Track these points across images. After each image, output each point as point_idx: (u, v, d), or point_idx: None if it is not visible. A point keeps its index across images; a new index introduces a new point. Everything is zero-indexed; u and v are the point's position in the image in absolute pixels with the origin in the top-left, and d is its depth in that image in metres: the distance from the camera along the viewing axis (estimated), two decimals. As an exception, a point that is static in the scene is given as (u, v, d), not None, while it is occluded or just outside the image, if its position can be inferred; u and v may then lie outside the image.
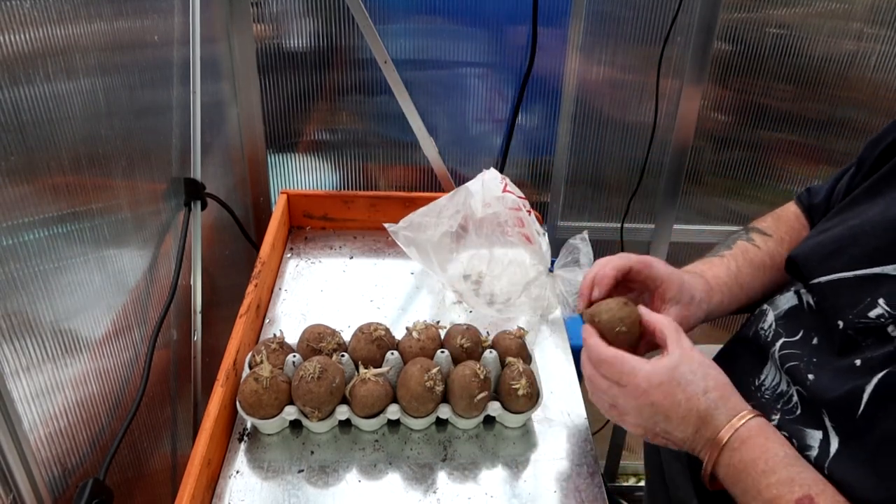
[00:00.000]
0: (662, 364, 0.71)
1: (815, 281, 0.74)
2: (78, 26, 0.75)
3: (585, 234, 1.06)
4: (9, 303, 0.64)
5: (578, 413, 0.93)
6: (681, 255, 1.67)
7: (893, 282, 0.67)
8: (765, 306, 0.82)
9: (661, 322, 0.75)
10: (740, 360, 0.83)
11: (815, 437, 0.69)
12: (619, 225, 1.58)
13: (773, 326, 0.79)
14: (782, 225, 0.94)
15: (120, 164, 0.87)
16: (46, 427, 0.71)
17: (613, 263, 0.82)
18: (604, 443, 1.88)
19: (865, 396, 0.64)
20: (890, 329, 0.65)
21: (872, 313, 0.67)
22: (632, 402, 0.71)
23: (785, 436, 0.71)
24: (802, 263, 0.77)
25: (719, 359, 0.88)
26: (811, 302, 0.76)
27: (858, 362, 0.66)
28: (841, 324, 0.70)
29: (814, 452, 0.68)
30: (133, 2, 0.90)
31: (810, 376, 0.71)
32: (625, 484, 1.97)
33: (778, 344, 0.77)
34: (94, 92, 0.79)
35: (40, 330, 0.70)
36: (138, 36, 0.94)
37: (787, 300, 0.80)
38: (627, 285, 0.86)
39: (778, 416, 0.74)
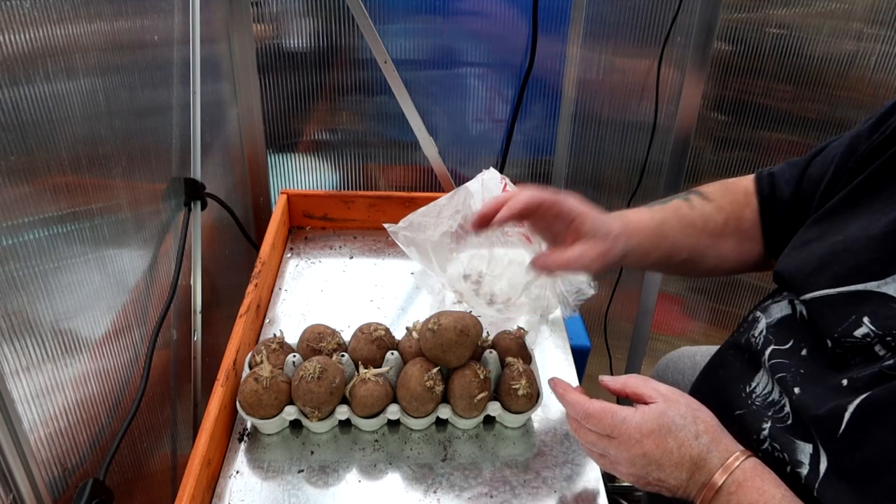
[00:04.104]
0: (650, 411, 0.70)
1: (804, 297, 0.73)
2: (78, 26, 0.75)
3: (585, 234, 1.05)
4: (9, 303, 0.64)
5: (578, 413, 0.93)
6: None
7: (877, 299, 0.66)
8: (757, 313, 0.82)
9: (627, 380, 0.75)
10: (732, 366, 0.82)
11: (805, 450, 0.68)
12: (619, 225, 1.58)
13: (764, 333, 0.79)
14: (727, 195, 0.91)
15: (120, 164, 0.87)
16: (46, 427, 0.71)
17: (526, 196, 0.79)
18: (604, 443, 1.88)
19: (846, 416, 0.63)
20: (877, 348, 0.65)
21: (858, 332, 0.66)
22: (623, 453, 0.71)
23: (776, 447, 0.71)
24: (790, 279, 0.76)
25: (712, 365, 0.87)
26: (804, 313, 0.76)
27: (845, 382, 0.66)
28: (829, 342, 0.69)
29: (804, 470, 0.67)
30: (133, 2, 0.90)
31: (796, 389, 0.70)
32: (625, 484, 1.97)
33: (768, 351, 0.76)
34: (94, 92, 0.79)
35: (40, 330, 0.70)
36: (138, 36, 0.94)
37: (780, 309, 0.79)
38: (539, 222, 0.84)
39: (769, 425, 0.73)
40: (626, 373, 1.77)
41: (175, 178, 1.06)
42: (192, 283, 1.07)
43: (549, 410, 0.93)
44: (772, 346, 0.76)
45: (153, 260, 0.98)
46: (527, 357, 0.94)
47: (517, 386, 0.86)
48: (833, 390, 0.66)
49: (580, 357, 1.12)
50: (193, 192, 1.07)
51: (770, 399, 0.75)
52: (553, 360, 1.03)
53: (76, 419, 0.77)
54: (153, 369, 0.91)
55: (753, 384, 0.78)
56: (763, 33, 1.40)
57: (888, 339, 0.64)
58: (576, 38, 1.40)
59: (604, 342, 1.72)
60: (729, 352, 0.84)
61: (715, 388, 0.83)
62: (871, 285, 0.66)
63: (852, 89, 1.45)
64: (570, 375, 1.00)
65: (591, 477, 0.84)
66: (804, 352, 0.73)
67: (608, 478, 0.84)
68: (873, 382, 0.63)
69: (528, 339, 0.97)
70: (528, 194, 0.79)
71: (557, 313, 1.11)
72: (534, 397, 0.88)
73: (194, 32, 1.07)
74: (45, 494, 0.70)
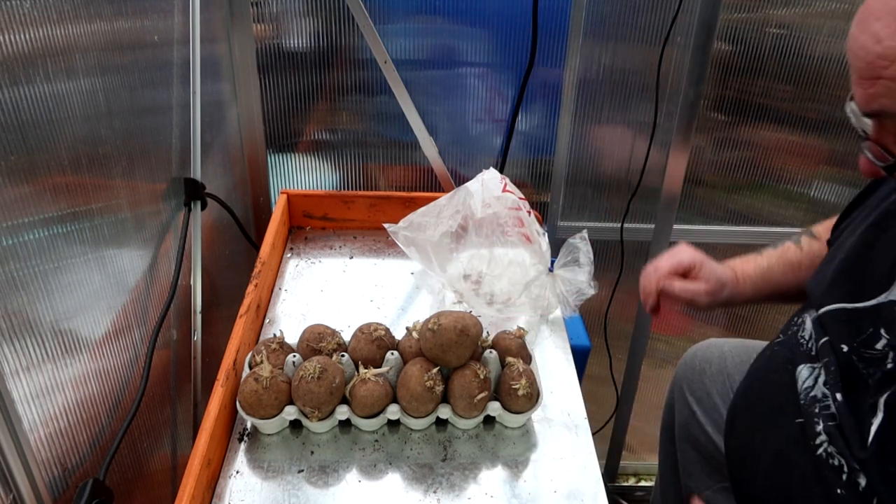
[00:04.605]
0: None
1: (820, 311, 0.77)
2: (78, 26, 0.75)
3: (585, 234, 1.06)
4: (9, 303, 0.64)
5: (578, 413, 0.93)
6: (681, 255, 1.66)
7: (888, 308, 0.68)
8: (805, 315, 0.84)
9: None
10: (783, 370, 0.83)
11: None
12: (619, 225, 1.58)
13: (811, 331, 0.81)
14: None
15: (120, 164, 0.87)
16: (46, 427, 0.71)
17: (684, 260, 1.00)
18: (604, 443, 1.88)
19: (872, 430, 0.65)
20: (889, 357, 0.66)
21: (879, 344, 0.67)
22: None
23: (831, 452, 0.71)
24: (811, 295, 0.81)
25: (758, 370, 0.89)
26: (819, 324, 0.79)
27: (873, 402, 0.67)
28: (845, 348, 0.71)
29: (863, 482, 0.67)
30: (133, 2, 0.90)
31: (838, 395, 0.71)
32: (625, 484, 1.97)
33: (819, 344, 0.78)
34: (94, 92, 0.79)
35: (40, 330, 0.70)
36: (138, 36, 0.93)
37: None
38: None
39: (821, 424, 0.73)
40: (627, 373, 1.77)
41: (175, 178, 1.06)
42: (192, 283, 1.07)
43: (549, 410, 0.93)
44: (819, 342, 0.78)
45: (153, 260, 0.98)
46: (527, 357, 0.94)
47: (517, 386, 0.86)
48: (866, 410, 0.68)
49: (580, 357, 1.12)
50: (193, 192, 1.07)
51: (812, 395, 0.75)
52: (553, 360, 1.03)
53: (76, 419, 0.77)
54: (153, 369, 0.91)
55: (800, 383, 0.79)
56: (763, 33, 1.40)
57: None
58: (576, 38, 1.40)
59: (604, 342, 1.72)
60: (774, 349, 0.86)
61: (768, 395, 0.84)
62: (881, 298, 0.68)
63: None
64: (570, 375, 1.00)
65: (592, 477, 0.84)
66: (833, 356, 0.75)
67: (608, 478, 0.84)
68: (885, 386, 0.65)
69: (528, 339, 0.97)
70: (685, 258, 1.00)
71: (557, 313, 1.11)
72: (534, 397, 0.88)
73: (194, 32, 1.07)
74: (45, 494, 0.70)
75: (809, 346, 0.80)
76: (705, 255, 1.00)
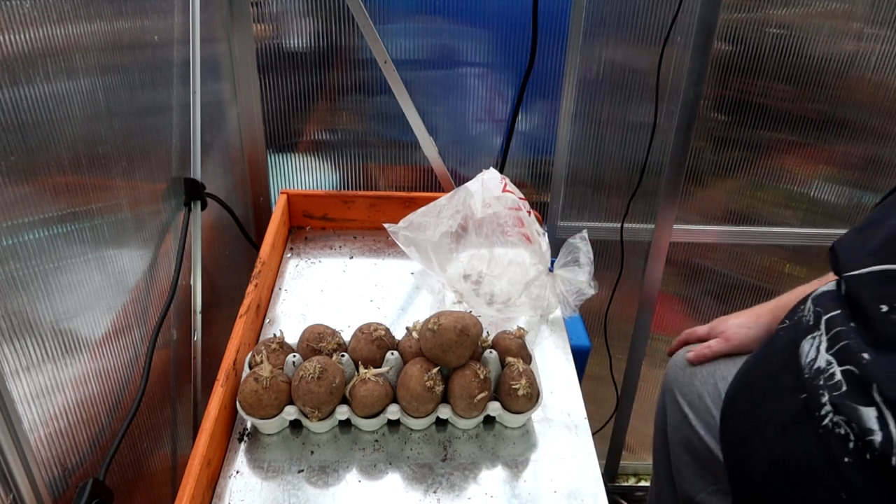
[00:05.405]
0: None
1: (851, 273, 0.76)
2: (78, 26, 0.75)
3: (585, 234, 1.06)
4: (9, 303, 0.64)
5: (578, 413, 0.93)
6: (681, 255, 1.66)
7: None
8: (808, 300, 0.85)
9: None
10: (786, 350, 0.84)
11: (870, 415, 0.68)
12: (619, 225, 1.59)
13: (812, 308, 0.81)
14: None
15: (120, 164, 0.87)
16: (46, 427, 0.71)
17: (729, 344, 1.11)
18: (604, 443, 1.88)
19: None
20: None
21: None
22: None
23: (843, 420, 0.71)
24: (842, 254, 0.80)
25: (759, 350, 0.90)
26: (844, 289, 0.78)
27: None
28: (884, 308, 0.70)
29: (877, 437, 0.66)
30: (133, 2, 0.90)
31: (865, 355, 0.71)
32: (625, 484, 1.97)
33: (823, 321, 0.78)
34: (94, 92, 0.79)
35: (40, 330, 0.70)
36: (138, 36, 0.94)
37: (825, 287, 0.82)
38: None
39: (826, 396, 0.73)
40: (627, 373, 1.78)
41: (175, 178, 1.06)
42: (192, 283, 1.07)
43: (549, 410, 0.94)
44: (825, 316, 0.78)
45: (153, 260, 0.98)
46: (527, 357, 0.94)
47: (517, 386, 0.86)
48: None
49: (580, 357, 1.12)
50: (193, 192, 1.07)
51: (816, 367, 0.75)
52: (553, 360, 1.03)
53: (76, 419, 0.77)
54: (153, 369, 0.91)
55: (801, 357, 0.79)
56: (763, 33, 1.40)
57: None
58: (576, 38, 1.40)
59: (604, 342, 1.72)
60: (779, 333, 0.87)
61: (770, 377, 0.85)
62: None
63: (852, 89, 1.45)
64: (570, 375, 1.00)
65: (592, 477, 0.84)
66: (853, 323, 0.74)
67: (608, 478, 0.84)
68: None
69: (528, 339, 0.97)
70: (700, 331, 1.16)
71: (557, 313, 1.11)
72: (534, 397, 0.88)
73: (194, 32, 1.07)
74: (45, 494, 0.70)
75: (808, 318, 0.82)
76: (728, 316, 1.12)
